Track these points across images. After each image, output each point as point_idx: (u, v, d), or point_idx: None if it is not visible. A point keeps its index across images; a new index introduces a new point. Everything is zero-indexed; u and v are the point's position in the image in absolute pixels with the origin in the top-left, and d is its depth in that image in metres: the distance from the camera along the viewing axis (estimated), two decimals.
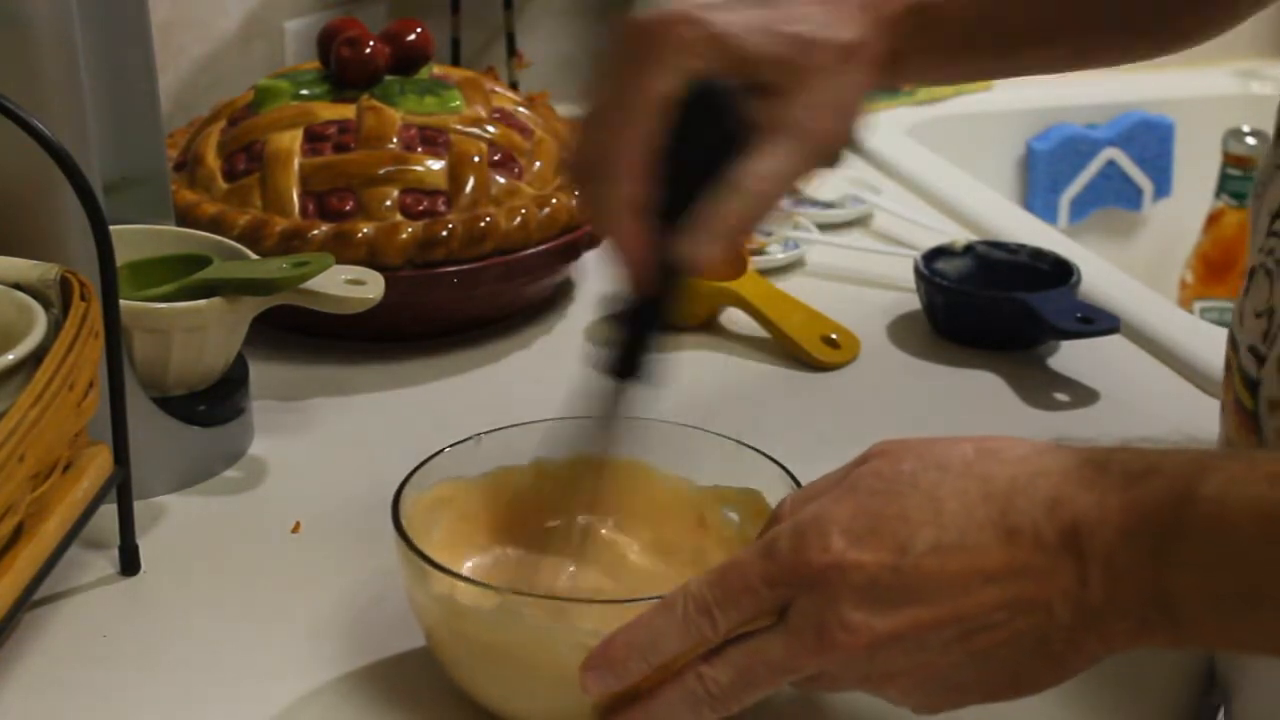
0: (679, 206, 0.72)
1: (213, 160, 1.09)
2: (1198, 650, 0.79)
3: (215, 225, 1.02)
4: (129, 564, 0.83)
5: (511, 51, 1.46)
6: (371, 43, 1.11)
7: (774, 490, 0.76)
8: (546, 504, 0.80)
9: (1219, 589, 0.58)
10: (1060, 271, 1.13)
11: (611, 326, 0.75)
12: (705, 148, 0.73)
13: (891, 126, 1.54)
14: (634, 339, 0.74)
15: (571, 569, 0.79)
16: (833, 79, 0.74)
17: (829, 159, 0.76)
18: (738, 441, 0.79)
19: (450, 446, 0.78)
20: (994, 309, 1.10)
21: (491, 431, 0.79)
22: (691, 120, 0.72)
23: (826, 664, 0.64)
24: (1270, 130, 0.77)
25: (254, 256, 0.95)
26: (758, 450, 0.78)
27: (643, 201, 0.72)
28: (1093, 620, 0.60)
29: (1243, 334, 0.75)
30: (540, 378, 1.02)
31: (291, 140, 1.07)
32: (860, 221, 1.32)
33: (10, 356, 0.74)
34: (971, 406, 1.04)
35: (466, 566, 0.78)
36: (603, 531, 0.81)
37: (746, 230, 0.74)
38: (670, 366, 0.75)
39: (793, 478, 0.75)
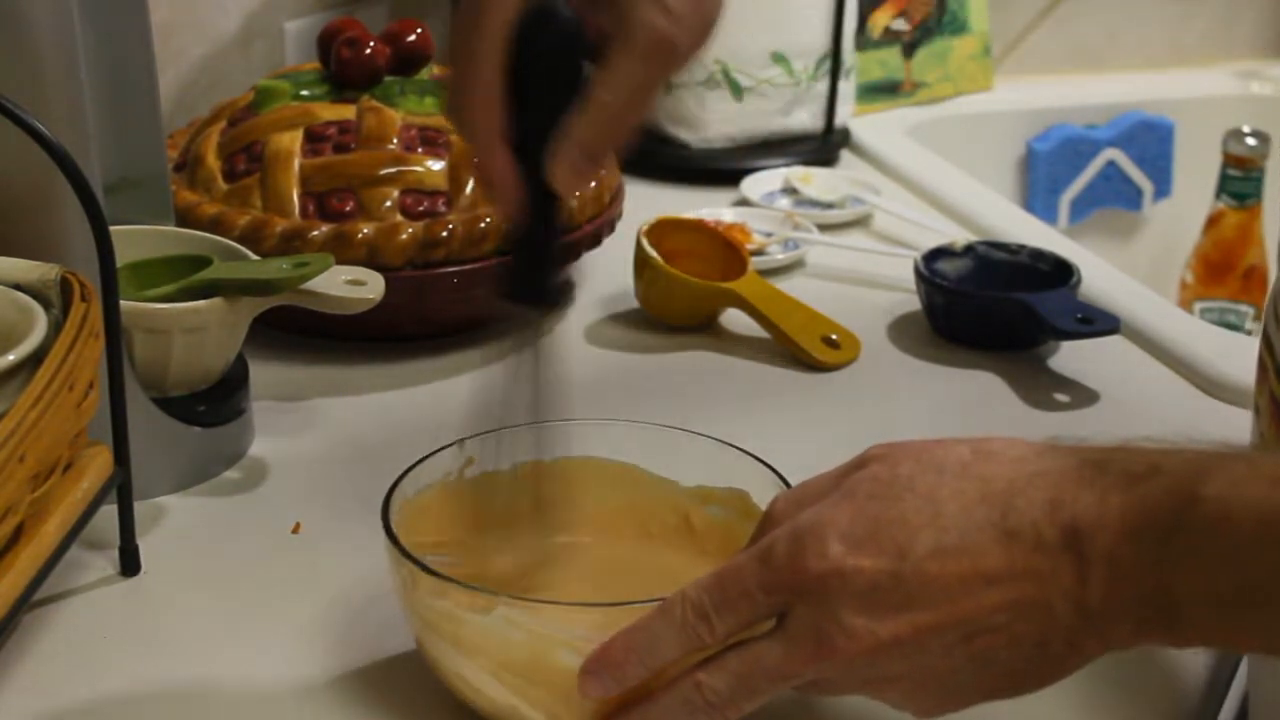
0: (539, 130, 0.72)
1: (213, 161, 1.09)
2: (1202, 650, 0.79)
3: (215, 226, 1.02)
4: (129, 565, 0.83)
5: None
6: (371, 43, 1.11)
7: (760, 489, 0.75)
8: (532, 507, 0.80)
9: (1220, 590, 0.58)
10: (1060, 272, 1.13)
11: (507, 254, 0.75)
12: (551, 68, 0.72)
13: (891, 126, 1.54)
14: (527, 264, 0.75)
15: (559, 573, 0.78)
16: None
17: (684, 61, 0.73)
18: (721, 441, 0.79)
19: (441, 449, 0.78)
20: (994, 309, 1.10)
21: (483, 434, 0.79)
22: (532, 42, 0.72)
23: (826, 670, 0.64)
24: (1271, 131, 0.77)
25: (254, 257, 0.95)
26: (743, 450, 0.78)
27: (500, 128, 0.72)
28: (1093, 620, 0.60)
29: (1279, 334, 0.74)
30: None
31: (291, 141, 1.07)
32: (860, 222, 1.32)
33: (10, 357, 0.74)
34: (971, 407, 1.04)
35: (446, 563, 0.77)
36: (589, 535, 0.80)
37: (605, 147, 0.73)
38: (569, 288, 0.75)
39: (779, 476, 0.75)
